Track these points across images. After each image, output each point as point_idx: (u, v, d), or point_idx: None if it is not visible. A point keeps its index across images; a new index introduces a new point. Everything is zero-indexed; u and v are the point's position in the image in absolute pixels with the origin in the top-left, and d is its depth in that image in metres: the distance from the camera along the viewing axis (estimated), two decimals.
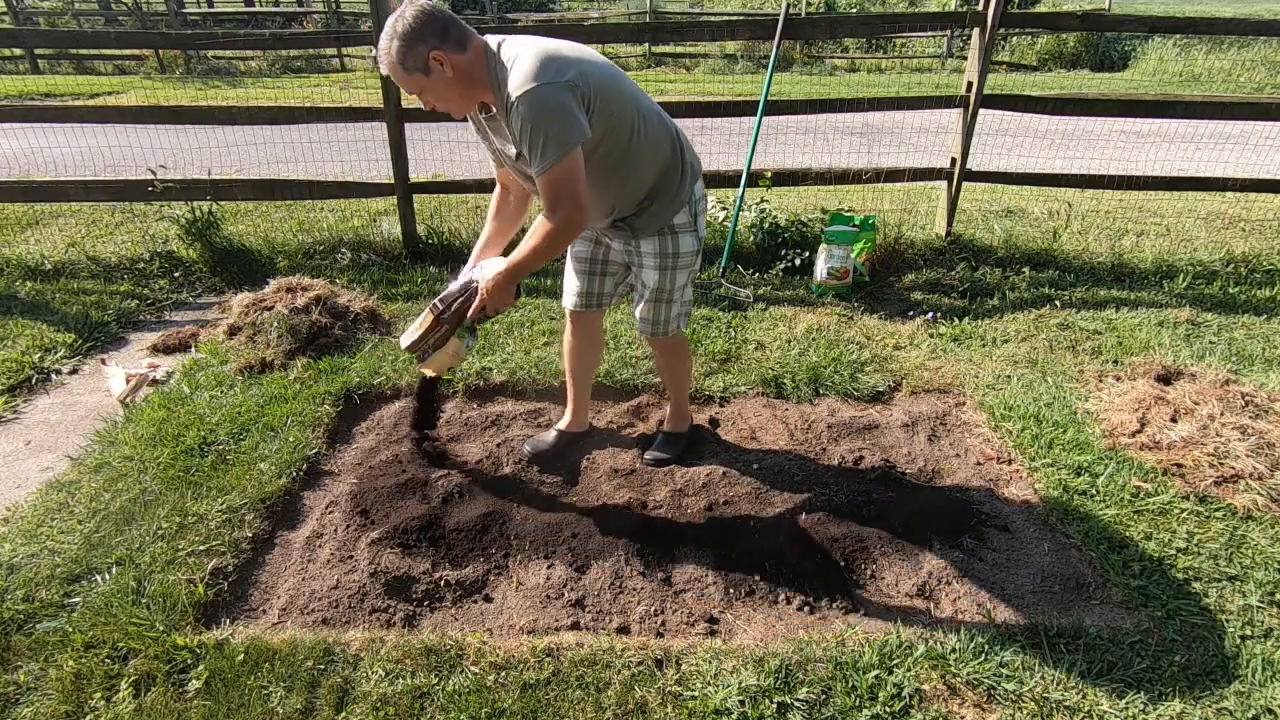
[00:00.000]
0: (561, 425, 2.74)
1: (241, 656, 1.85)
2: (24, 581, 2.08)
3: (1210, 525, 2.31)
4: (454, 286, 2.20)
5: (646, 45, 14.35)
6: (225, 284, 4.21)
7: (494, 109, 1.95)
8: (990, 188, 5.84)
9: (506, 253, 2.18)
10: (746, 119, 4.28)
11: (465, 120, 2.11)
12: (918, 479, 2.58)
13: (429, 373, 2.40)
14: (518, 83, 1.79)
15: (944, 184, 4.54)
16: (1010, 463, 2.66)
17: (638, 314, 2.36)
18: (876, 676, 1.79)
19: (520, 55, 1.82)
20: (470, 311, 2.14)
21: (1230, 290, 4.07)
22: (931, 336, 3.58)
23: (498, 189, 2.32)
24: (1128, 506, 2.39)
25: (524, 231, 2.13)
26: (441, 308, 2.16)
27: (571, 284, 2.47)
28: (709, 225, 4.56)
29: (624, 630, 1.98)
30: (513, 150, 1.97)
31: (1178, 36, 13.55)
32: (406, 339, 2.23)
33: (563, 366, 2.70)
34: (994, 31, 4.03)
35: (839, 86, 11.47)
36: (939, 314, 3.80)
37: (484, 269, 2.18)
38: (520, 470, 2.59)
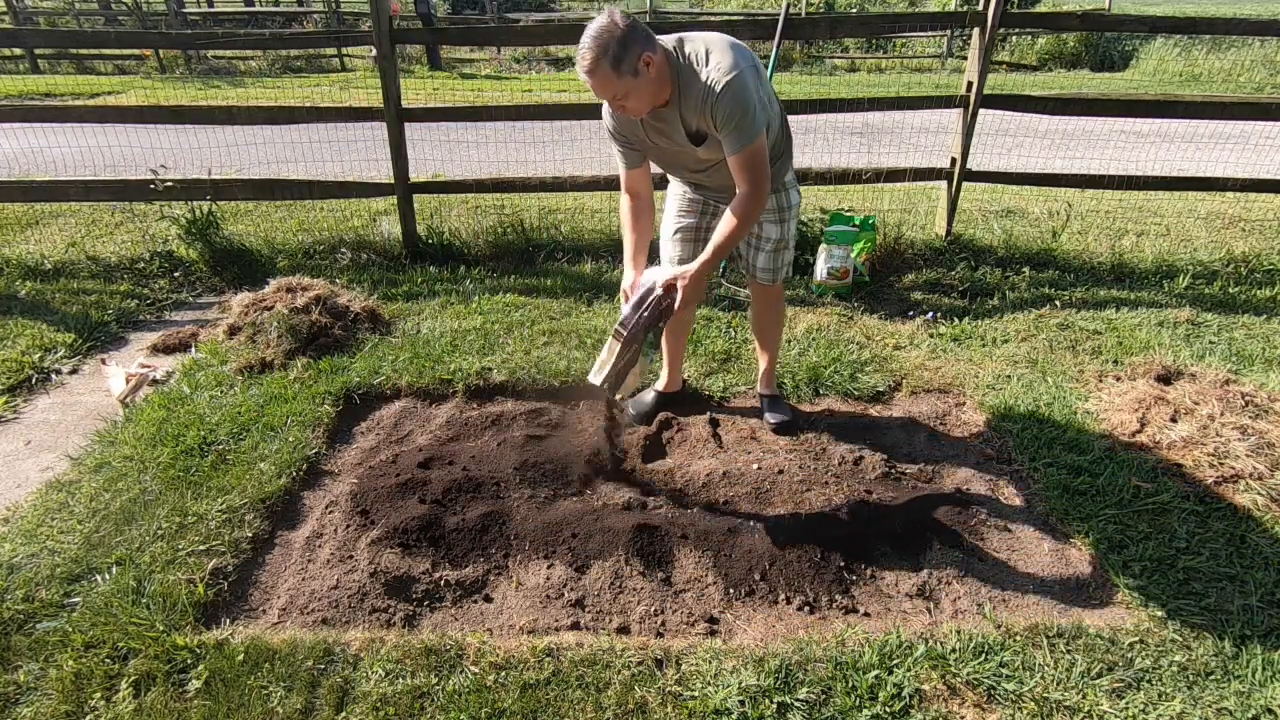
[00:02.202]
0: (659, 386, 2.99)
1: (241, 656, 1.85)
2: (24, 581, 2.08)
3: (1210, 525, 2.31)
4: (626, 310, 2.23)
5: None
6: (225, 284, 4.22)
7: (665, 104, 2.13)
8: (990, 188, 5.84)
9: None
10: None
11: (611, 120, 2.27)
12: (918, 479, 2.58)
13: (619, 397, 2.38)
14: (723, 70, 2.01)
15: (944, 184, 4.54)
16: (1010, 463, 2.66)
17: (759, 265, 2.61)
18: (876, 676, 1.79)
19: (710, 46, 2.06)
20: (675, 306, 2.21)
21: (1230, 290, 4.07)
22: (931, 336, 3.58)
23: (627, 200, 2.41)
24: (1128, 506, 2.39)
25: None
26: (626, 331, 2.20)
27: (672, 253, 2.63)
28: None
29: (624, 630, 1.98)
30: (682, 137, 2.18)
31: (1178, 36, 13.55)
32: (599, 376, 2.25)
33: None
34: (994, 31, 4.03)
35: (839, 86, 11.48)
36: (939, 314, 3.80)
37: (651, 276, 2.25)
38: (521, 470, 2.58)
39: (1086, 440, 2.71)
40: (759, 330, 2.88)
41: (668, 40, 2.09)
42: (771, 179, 2.39)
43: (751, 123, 2.03)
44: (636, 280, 2.29)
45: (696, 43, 2.08)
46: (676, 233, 2.60)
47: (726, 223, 2.16)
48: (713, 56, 2.04)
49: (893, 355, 3.38)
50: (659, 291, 2.21)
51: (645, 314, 2.20)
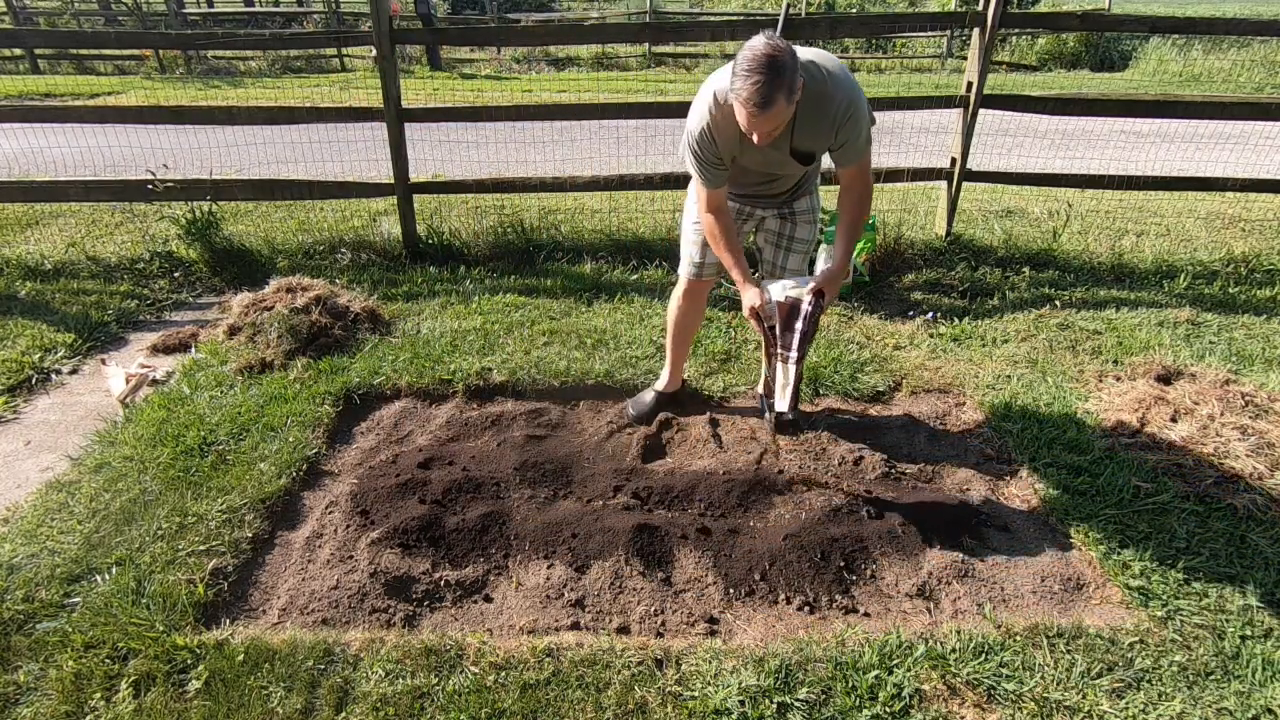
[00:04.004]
0: (659, 386, 2.96)
1: (241, 656, 1.85)
2: (24, 581, 2.08)
3: (1210, 525, 2.31)
4: (776, 331, 2.25)
5: (646, 45, 14.36)
6: (225, 284, 4.22)
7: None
8: (990, 188, 5.84)
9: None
10: None
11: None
12: (918, 479, 2.58)
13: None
14: (848, 90, 2.08)
15: (944, 184, 4.54)
16: (1010, 463, 2.66)
17: (789, 267, 2.63)
18: (876, 676, 1.79)
19: (827, 67, 2.08)
20: (824, 310, 2.27)
21: (1230, 290, 4.07)
22: (931, 336, 3.58)
23: (713, 220, 2.33)
24: (1128, 506, 2.39)
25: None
26: (797, 353, 2.23)
27: (705, 254, 2.62)
28: None
29: (624, 630, 1.99)
30: (785, 153, 2.20)
31: (1177, 36, 13.55)
32: (784, 403, 2.27)
33: (666, 332, 2.90)
34: (994, 31, 4.03)
35: None
36: (939, 314, 3.80)
37: (779, 290, 2.28)
38: (521, 470, 2.58)
39: (1086, 440, 2.71)
40: None
41: None
42: (811, 178, 2.51)
43: (867, 136, 2.17)
44: (762, 297, 2.26)
45: (816, 67, 2.05)
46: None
47: (854, 220, 2.29)
48: (833, 75, 2.07)
49: (893, 355, 3.38)
50: (809, 301, 2.21)
51: (806, 329, 2.21)
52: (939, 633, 1.94)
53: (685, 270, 2.68)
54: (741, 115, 1.93)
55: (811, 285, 2.23)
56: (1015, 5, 15.72)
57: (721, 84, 2.09)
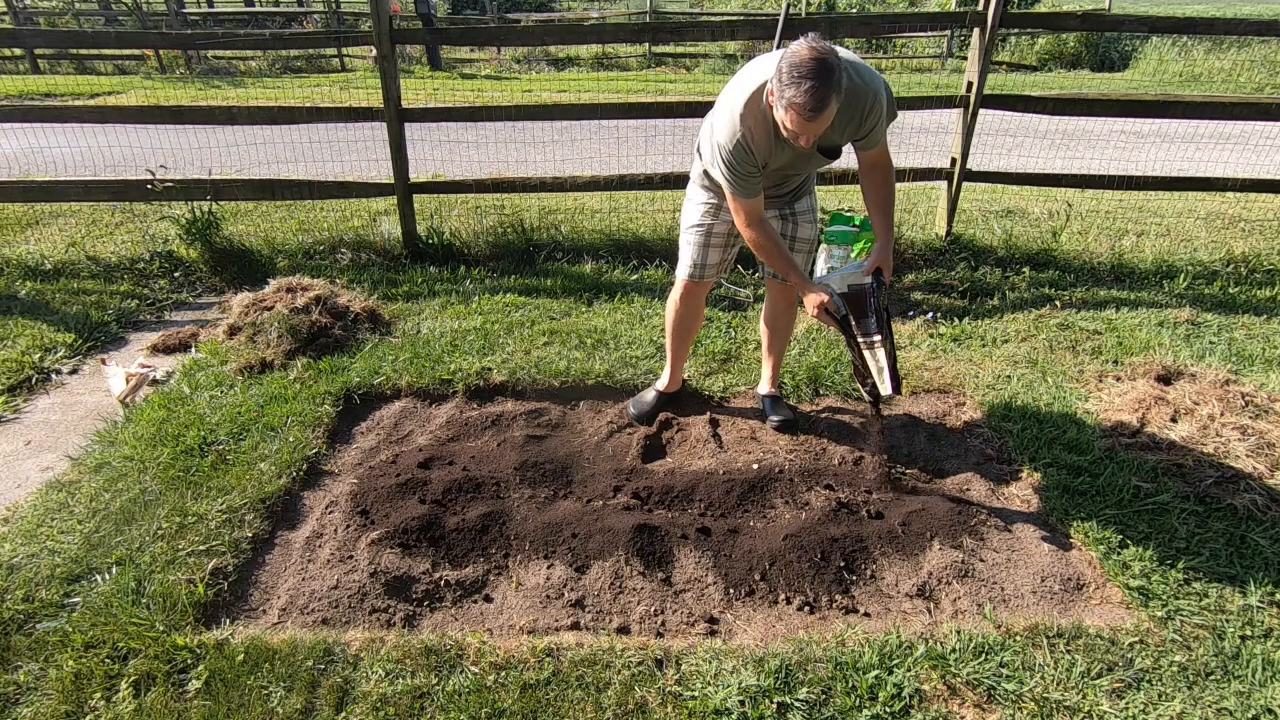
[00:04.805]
0: (660, 386, 2.97)
1: (241, 656, 1.85)
2: (24, 581, 2.08)
3: (1210, 525, 2.31)
4: (852, 322, 2.29)
5: (646, 45, 14.38)
6: (225, 284, 4.22)
7: None
8: (990, 188, 5.84)
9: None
10: None
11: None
12: (918, 479, 2.58)
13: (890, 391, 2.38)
14: (874, 82, 2.13)
15: (944, 184, 4.54)
16: (1010, 463, 2.66)
17: None
18: (876, 676, 1.79)
19: (853, 61, 2.11)
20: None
21: (1230, 290, 4.07)
22: (931, 336, 3.58)
23: (761, 233, 2.31)
24: (1128, 506, 2.39)
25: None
26: (879, 335, 2.27)
27: (705, 257, 2.63)
28: None
29: (624, 630, 1.98)
30: (814, 147, 2.18)
31: (1178, 36, 13.55)
32: (886, 387, 2.29)
33: (666, 332, 2.90)
34: (994, 31, 4.03)
35: None
36: (939, 314, 3.79)
37: (837, 281, 2.35)
38: (521, 470, 2.58)
39: (1086, 440, 2.71)
40: (776, 331, 2.87)
41: None
42: (811, 179, 2.55)
43: (888, 122, 2.22)
44: (827, 293, 2.28)
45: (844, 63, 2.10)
46: (713, 238, 2.58)
47: (887, 197, 2.34)
48: (860, 70, 2.10)
49: None
50: (870, 284, 2.27)
51: (879, 308, 2.26)
52: (939, 633, 1.94)
53: (684, 272, 2.68)
54: (792, 121, 1.93)
55: (867, 267, 2.29)
56: (1015, 5, 15.73)
57: (748, 92, 2.09)
